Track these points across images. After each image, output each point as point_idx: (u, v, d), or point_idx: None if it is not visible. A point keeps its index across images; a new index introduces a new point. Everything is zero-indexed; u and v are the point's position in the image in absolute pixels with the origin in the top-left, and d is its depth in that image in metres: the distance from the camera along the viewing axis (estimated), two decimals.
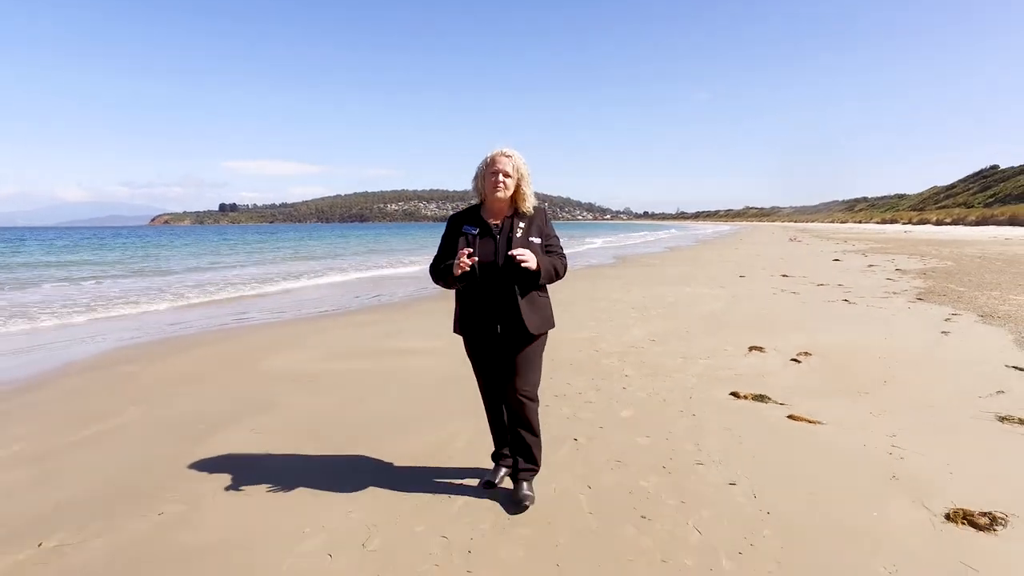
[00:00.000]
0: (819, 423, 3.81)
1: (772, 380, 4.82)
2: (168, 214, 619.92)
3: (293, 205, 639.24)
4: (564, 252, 2.86)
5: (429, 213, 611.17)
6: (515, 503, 2.79)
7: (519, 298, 2.65)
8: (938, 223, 68.76)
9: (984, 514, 2.55)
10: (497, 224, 2.73)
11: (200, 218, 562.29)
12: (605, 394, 4.56)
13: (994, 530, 2.45)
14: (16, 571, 2.38)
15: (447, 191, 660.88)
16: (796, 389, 4.57)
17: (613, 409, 4.20)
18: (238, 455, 3.56)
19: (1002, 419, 3.77)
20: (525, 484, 2.86)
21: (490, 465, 3.17)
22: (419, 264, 21.08)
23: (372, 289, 13.55)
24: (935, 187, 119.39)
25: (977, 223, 60.06)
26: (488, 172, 2.70)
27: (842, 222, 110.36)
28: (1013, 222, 52.23)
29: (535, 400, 2.84)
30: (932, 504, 2.70)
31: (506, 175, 2.67)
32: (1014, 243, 27.05)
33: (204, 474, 3.28)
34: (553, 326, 2.85)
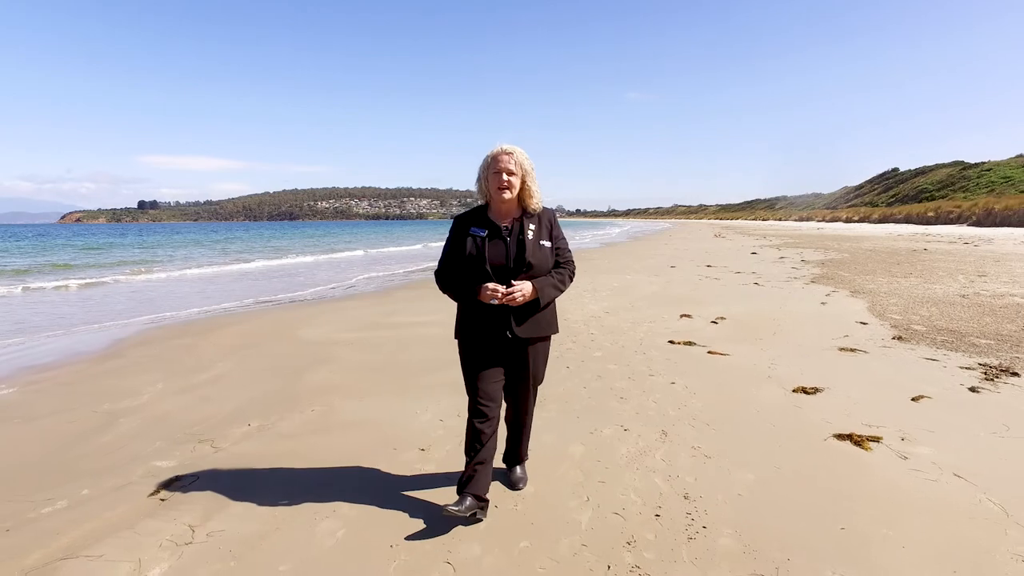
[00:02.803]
0: (727, 355, 5.69)
1: (697, 334, 6.71)
2: (80, 211, 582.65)
3: (218, 203, 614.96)
4: (571, 255, 2.84)
5: (361, 211, 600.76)
6: (511, 484, 2.98)
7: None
8: (847, 221, 74.81)
9: (812, 387, 4.47)
10: (507, 226, 2.65)
11: (117, 216, 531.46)
12: (579, 344, 6.31)
13: (815, 394, 4.36)
14: (247, 436, 3.87)
15: (379, 188, 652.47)
16: (714, 338, 6.46)
17: (587, 352, 5.95)
18: (333, 382, 5.08)
19: (841, 349, 5.78)
20: (519, 468, 3.05)
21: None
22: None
23: None
24: (846, 187, 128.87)
25: (880, 221, 65.95)
26: (491, 172, 2.60)
27: (764, 219, 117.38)
28: (908, 220, 57.98)
29: (535, 401, 3.01)
30: (786, 387, 4.59)
31: (510, 173, 2.57)
32: (904, 239, 30.89)
33: (319, 392, 4.79)
34: (557, 330, 2.85)
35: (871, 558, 2.31)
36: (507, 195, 2.59)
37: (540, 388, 3.05)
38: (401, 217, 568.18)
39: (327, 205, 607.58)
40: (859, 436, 3.48)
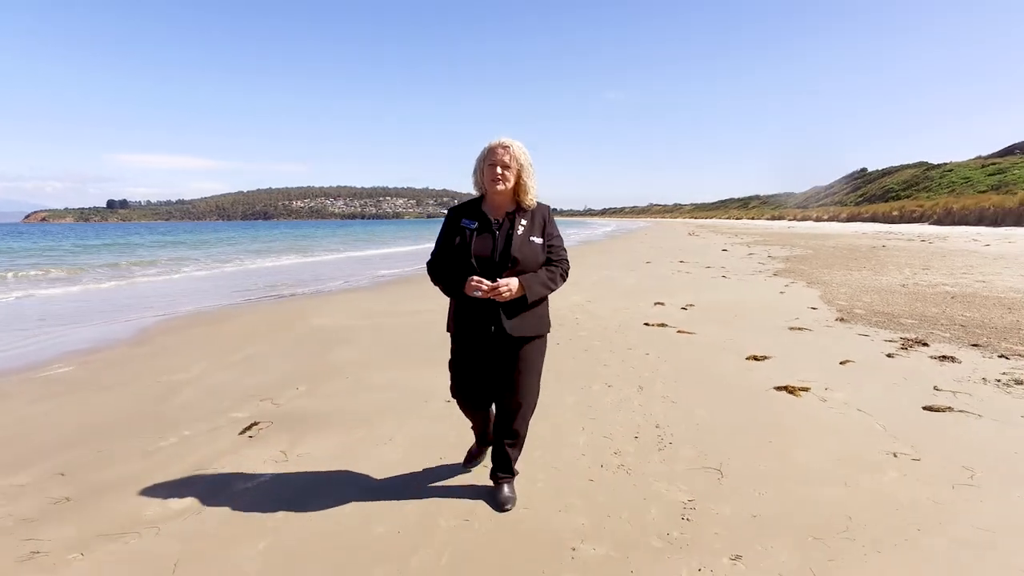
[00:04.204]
0: (694, 333, 6.63)
1: (669, 318, 7.65)
2: (46, 211, 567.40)
3: (191, 202, 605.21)
4: (566, 254, 2.81)
5: (336, 211, 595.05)
6: (497, 504, 2.75)
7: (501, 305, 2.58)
8: (818, 219, 77.04)
9: (762, 355, 5.43)
10: (497, 220, 2.65)
11: (85, 215, 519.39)
12: (566, 327, 7.20)
13: (763, 360, 5.31)
14: (299, 396, 4.67)
15: (354, 187, 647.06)
16: (683, 321, 7.41)
17: (574, 332, 6.85)
18: (357, 358, 5.88)
19: (790, 328, 6.78)
20: (506, 486, 2.82)
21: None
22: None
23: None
24: (816, 187, 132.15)
25: (848, 219, 68.17)
26: (487, 164, 2.61)
27: (737, 218, 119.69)
28: (874, 219, 60.21)
29: (532, 408, 2.83)
30: (740, 355, 5.54)
31: (505, 167, 2.57)
32: (867, 237, 32.43)
33: (347, 366, 5.60)
34: (548, 329, 2.79)
35: (787, 457, 3.24)
36: (500, 187, 2.59)
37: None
38: (377, 216, 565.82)
39: (302, 204, 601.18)
40: (793, 387, 4.43)
